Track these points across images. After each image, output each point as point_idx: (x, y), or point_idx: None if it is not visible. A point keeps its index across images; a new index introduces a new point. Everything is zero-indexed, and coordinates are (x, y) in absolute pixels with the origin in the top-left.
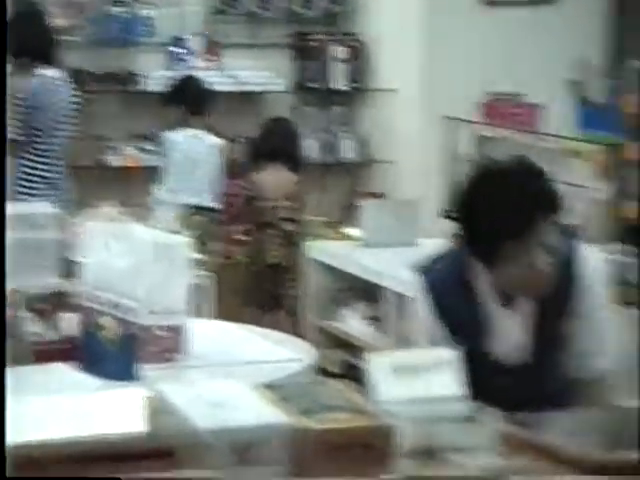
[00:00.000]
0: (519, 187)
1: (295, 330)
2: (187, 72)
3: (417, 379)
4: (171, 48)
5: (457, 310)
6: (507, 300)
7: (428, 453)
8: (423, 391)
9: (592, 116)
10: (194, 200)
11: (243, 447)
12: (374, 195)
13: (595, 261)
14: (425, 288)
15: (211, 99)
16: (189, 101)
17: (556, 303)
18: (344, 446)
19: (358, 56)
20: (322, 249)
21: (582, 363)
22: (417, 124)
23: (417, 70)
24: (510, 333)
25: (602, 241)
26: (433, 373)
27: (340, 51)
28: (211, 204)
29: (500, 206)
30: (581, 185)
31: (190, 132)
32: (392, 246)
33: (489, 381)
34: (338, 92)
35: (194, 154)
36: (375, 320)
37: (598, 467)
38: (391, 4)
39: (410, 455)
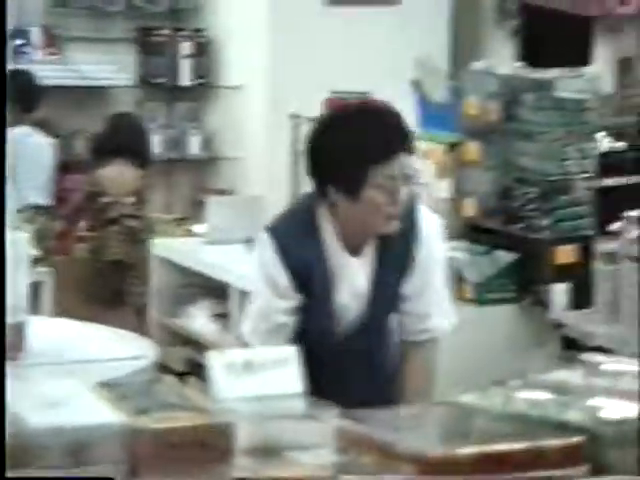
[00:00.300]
0: (377, 116)
1: (140, 328)
2: (28, 65)
3: (257, 376)
4: (11, 41)
5: (305, 261)
6: (353, 248)
7: (267, 451)
8: (263, 388)
9: (434, 115)
10: (30, 197)
11: (78, 447)
12: (220, 192)
13: (433, 223)
14: (273, 244)
15: (42, 95)
16: (17, 97)
17: (397, 255)
18: (181, 445)
19: (204, 52)
20: (167, 246)
21: (416, 324)
22: (264, 121)
23: (263, 67)
24: (355, 281)
25: (444, 239)
26: (273, 370)
27: (186, 47)
28: (47, 201)
29: (361, 133)
30: (423, 183)
31: (21, 130)
32: (237, 243)
33: (333, 335)
34: (184, 88)
35: (24, 153)
36: (220, 317)
37: (435, 463)
38: (238, 1)
39: (248, 453)
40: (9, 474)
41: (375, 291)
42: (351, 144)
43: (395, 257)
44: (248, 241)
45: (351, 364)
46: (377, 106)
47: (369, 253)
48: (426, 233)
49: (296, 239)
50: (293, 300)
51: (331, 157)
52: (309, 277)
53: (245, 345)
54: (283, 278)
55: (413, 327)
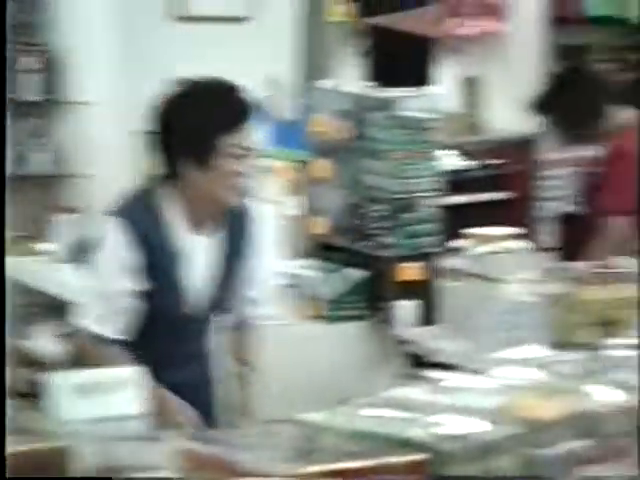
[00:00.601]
0: (224, 88)
1: None
2: None
3: (100, 398)
4: None
5: (152, 243)
6: (199, 227)
7: (109, 473)
8: (105, 410)
9: (284, 133)
10: None
11: None
12: (69, 209)
13: (267, 214)
14: (122, 227)
15: None
16: None
17: (238, 238)
18: (20, 469)
19: (51, 67)
20: (13, 265)
21: (249, 309)
22: (112, 137)
23: (111, 83)
24: (201, 260)
25: (294, 256)
26: (116, 391)
27: (32, 62)
28: None
29: (211, 103)
30: (273, 201)
31: None
32: (86, 261)
33: (180, 315)
34: (30, 103)
35: None
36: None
37: None
38: (84, 16)
39: (89, 475)
40: None
41: (221, 271)
42: (202, 113)
43: (237, 240)
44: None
45: (194, 345)
46: (222, 80)
47: (215, 233)
48: (261, 221)
49: (142, 222)
50: (141, 283)
51: (182, 128)
52: (156, 259)
53: (83, 336)
54: (132, 260)
55: (245, 312)
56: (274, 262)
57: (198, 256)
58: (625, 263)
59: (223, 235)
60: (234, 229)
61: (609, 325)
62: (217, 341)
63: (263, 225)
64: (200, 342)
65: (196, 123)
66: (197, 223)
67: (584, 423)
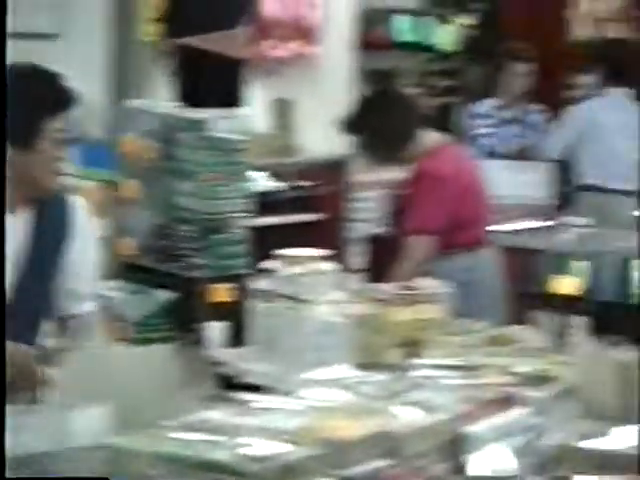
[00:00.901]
0: (46, 74)
1: None
2: None
3: None
4: None
5: None
6: (11, 211)
7: None
8: None
9: (90, 153)
10: None
11: None
12: None
13: (84, 207)
14: None
15: None
16: None
17: (54, 225)
18: None
19: None
20: None
21: (68, 301)
22: None
23: None
24: (11, 241)
25: (101, 278)
26: None
27: None
28: None
29: (34, 86)
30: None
31: None
32: None
33: None
34: None
35: None
36: None
37: None
38: None
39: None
40: None
41: (32, 254)
42: (26, 96)
43: (53, 227)
44: None
45: (15, 333)
46: (42, 66)
47: (29, 218)
48: (80, 212)
49: None
50: None
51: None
52: None
53: None
54: None
55: (65, 304)
56: (96, 256)
57: (9, 241)
58: (427, 284)
59: (38, 220)
60: (50, 216)
61: (412, 346)
62: (45, 334)
63: (82, 217)
64: (22, 331)
65: (20, 105)
66: (10, 207)
67: (387, 443)
